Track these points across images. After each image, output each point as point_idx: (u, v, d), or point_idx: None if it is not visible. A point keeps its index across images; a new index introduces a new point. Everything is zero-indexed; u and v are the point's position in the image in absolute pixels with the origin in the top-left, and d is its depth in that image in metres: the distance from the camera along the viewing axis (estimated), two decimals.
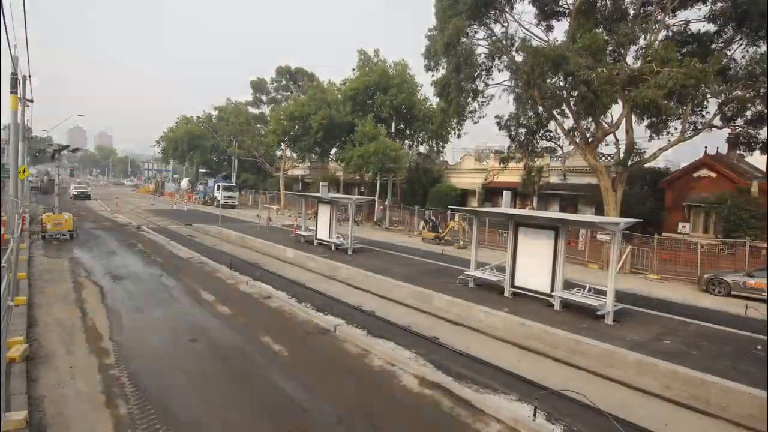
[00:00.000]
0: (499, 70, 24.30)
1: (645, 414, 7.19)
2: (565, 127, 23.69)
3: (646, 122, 20.54)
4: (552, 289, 12.48)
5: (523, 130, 24.75)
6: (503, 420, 6.86)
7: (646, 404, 7.63)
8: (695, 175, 25.36)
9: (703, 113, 21.07)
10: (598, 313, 11.46)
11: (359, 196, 27.86)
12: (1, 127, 19.50)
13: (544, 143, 25.33)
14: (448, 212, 29.43)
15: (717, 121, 21.18)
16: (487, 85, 24.65)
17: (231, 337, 9.87)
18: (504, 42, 23.21)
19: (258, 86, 56.18)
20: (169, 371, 7.98)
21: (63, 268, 15.57)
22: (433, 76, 25.25)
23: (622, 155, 22.62)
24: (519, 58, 22.21)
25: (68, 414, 6.42)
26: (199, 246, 21.75)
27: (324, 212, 22.05)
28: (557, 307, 12.28)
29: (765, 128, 20.96)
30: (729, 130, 23.90)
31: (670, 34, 21.80)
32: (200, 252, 19.55)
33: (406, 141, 41.20)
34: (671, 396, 7.91)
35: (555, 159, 29.90)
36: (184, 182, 67.80)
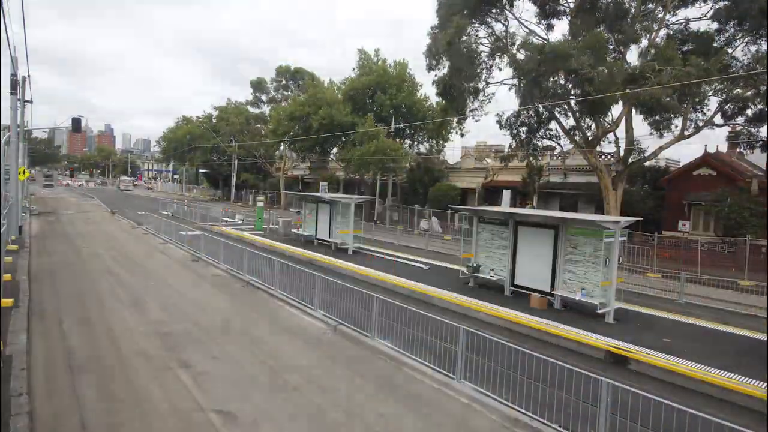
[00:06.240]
0: (500, 69, 24.37)
1: None
2: (566, 125, 23.69)
3: (649, 120, 20.56)
4: (552, 288, 12.48)
5: (524, 129, 24.79)
6: None
7: None
8: (695, 173, 25.32)
9: (704, 111, 21.08)
10: (598, 311, 11.46)
11: (359, 196, 27.82)
12: (1, 128, 19.51)
13: (545, 142, 25.37)
14: (448, 211, 29.48)
15: (718, 119, 21.19)
16: (487, 83, 24.67)
17: None
18: (505, 41, 23.21)
19: (258, 86, 56.25)
20: None
21: None
22: (435, 75, 25.30)
23: (622, 154, 22.62)
24: (520, 56, 22.22)
25: None
26: None
27: (324, 212, 22.05)
28: (557, 305, 12.29)
29: (765, 126, 20.96)
30: (729, 128, 23.91)
31: (671, 32, 21.81)
32: None
33: (407, 140, 41.23)
34: None
35: (555, 158, 29.93)
36: None
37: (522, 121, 24.73)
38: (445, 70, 24.61)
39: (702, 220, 24.65)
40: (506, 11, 23.32)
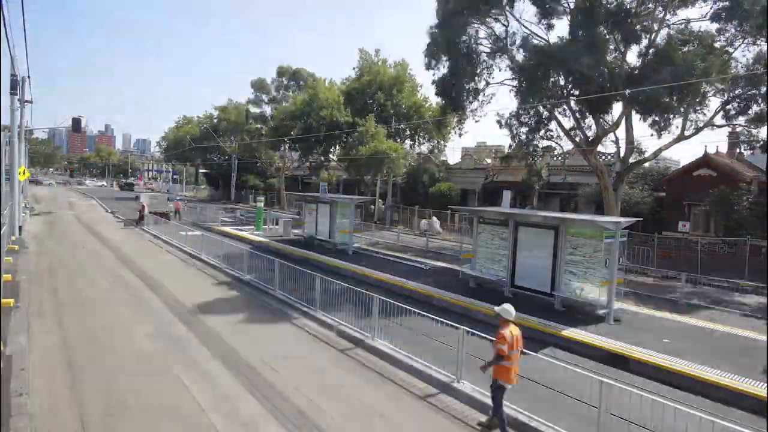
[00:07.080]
0: (500, 69, 24.36)
1: None
2: (566, 126, 23.68)
3: (648, 121, 20.52)
4: (553, 288, 12.47)
5: (524, 129, 24.74)
6: None
7: None
8: (695, 173, 25.31)
9: (704, 111, 21.07)
10: (599, 312, 11.46)
11: (359, 196, 27.87)
12: (1, 128, 19.54)
13: (545, 142, 25.33)
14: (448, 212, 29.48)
15: (718, 120, 21.18)
16: (488, 83, 24.66)
17: None
18: (505, 41, 23.20)
19: (259, 86, 56.14)
20: None
21: None
22: (434, 74, 25.25)
23: (622, 154, 22.62)
24: (520, 56, 22.20)
25: None
26: None
27: (324, 213, 22.04)
28: (558, 306, 12.28)
29: (765, 126, 20.94)
30: (729, 129, 23.91)
31: (671, 32, 21.77)
32: None
33: (407, 141, 41.19)
34: None
35: (555, 158, 29.92)
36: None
37: (522, 122, 24.68)
38: (444, 70, 24.57)
39: (702, 221, 24.63)
40: (506, 11, 23.28)
